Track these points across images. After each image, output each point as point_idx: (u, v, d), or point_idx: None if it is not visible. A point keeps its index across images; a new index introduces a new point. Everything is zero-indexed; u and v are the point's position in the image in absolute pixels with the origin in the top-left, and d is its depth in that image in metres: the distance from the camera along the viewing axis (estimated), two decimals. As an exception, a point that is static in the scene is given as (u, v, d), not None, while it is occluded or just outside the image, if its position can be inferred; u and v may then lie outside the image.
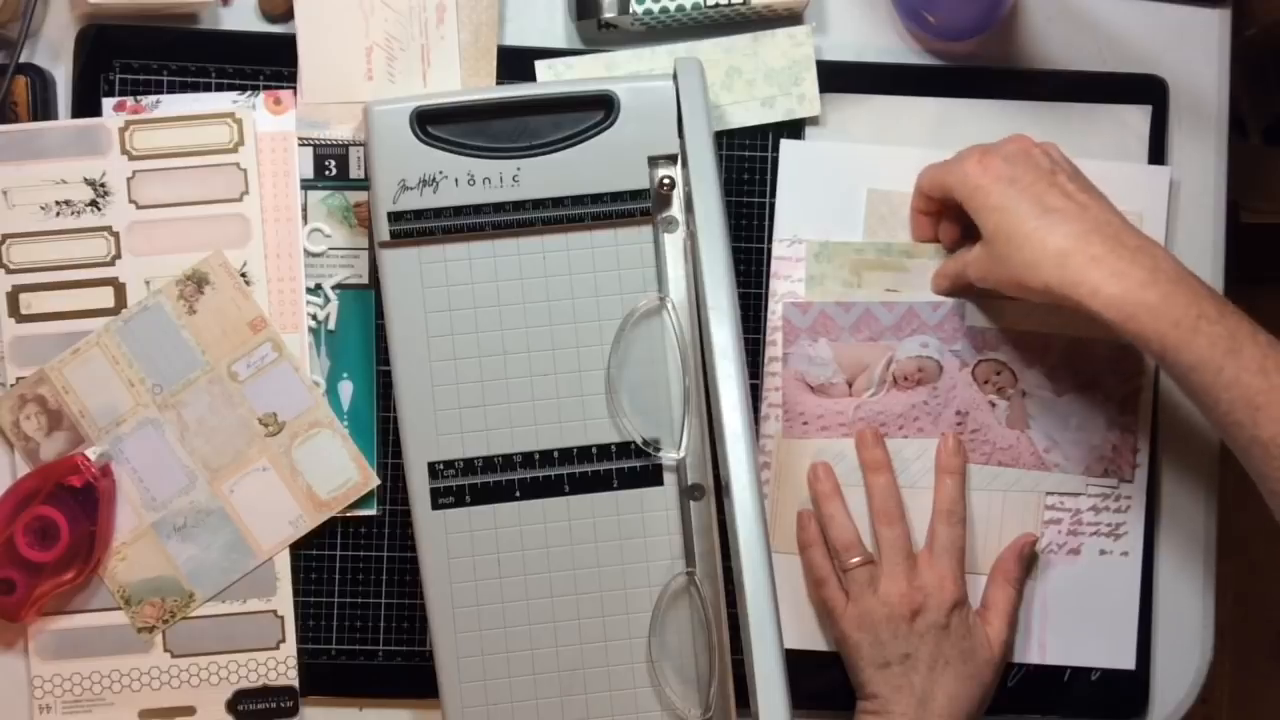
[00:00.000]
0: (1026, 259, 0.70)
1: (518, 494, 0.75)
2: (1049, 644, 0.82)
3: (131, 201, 0.79)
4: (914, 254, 0.81)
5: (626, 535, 0.76)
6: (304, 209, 0.80)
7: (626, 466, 0.76)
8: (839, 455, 0.81)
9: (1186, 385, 0.69)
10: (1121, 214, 0.72)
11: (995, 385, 0.81)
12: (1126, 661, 0.82)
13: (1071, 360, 0.81)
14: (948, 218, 0.80)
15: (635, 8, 0.78)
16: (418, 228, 0.74)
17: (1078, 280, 0.69)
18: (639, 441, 0.75)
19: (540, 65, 0.80)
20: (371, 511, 0.80)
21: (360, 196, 0.80)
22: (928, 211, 0.80)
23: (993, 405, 0.81)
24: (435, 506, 0.75)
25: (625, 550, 0.76)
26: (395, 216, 0.74)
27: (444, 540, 0.75)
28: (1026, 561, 0.81)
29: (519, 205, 0.75)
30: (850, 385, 0.81)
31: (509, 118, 0.75)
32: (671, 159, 0.75)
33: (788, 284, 0.81)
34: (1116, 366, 0.81)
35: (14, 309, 0.79)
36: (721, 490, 0.74)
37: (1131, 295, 0.68)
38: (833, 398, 0.81)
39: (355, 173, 0.80)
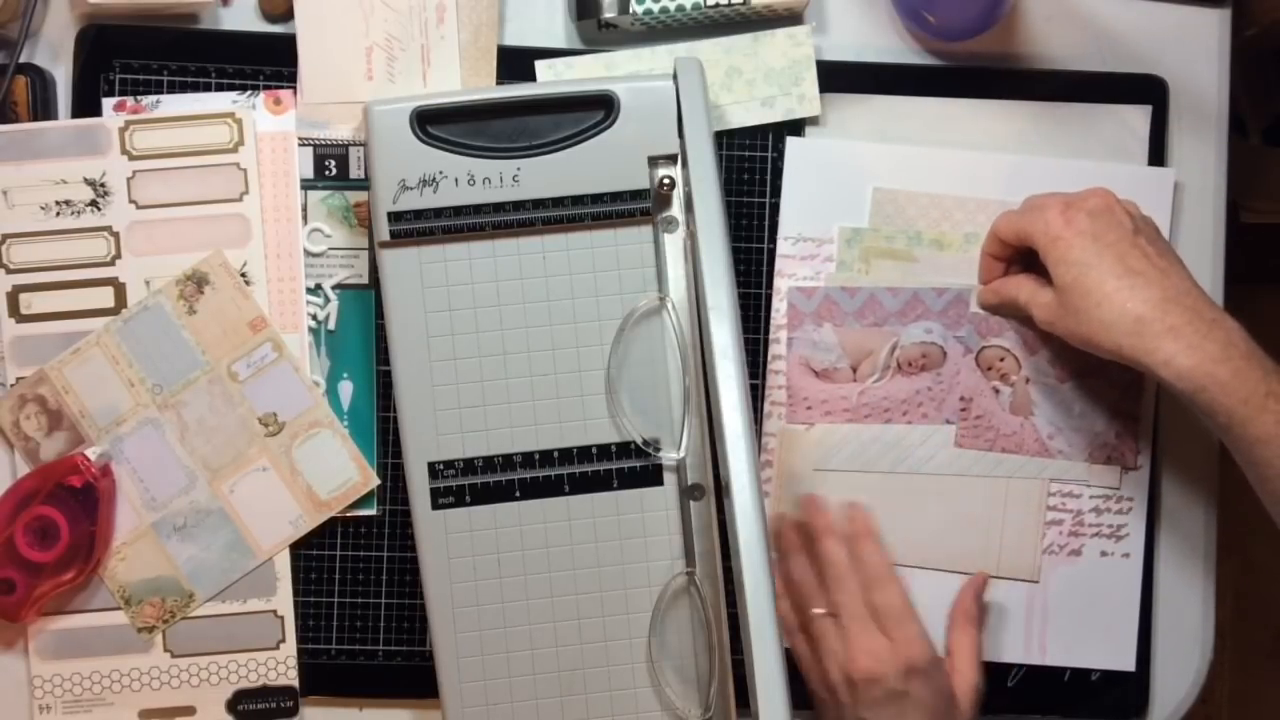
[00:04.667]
0: (1103, 318, 0.71)
1: (518, 494, 0.75)
2: (1049, 645, 0.82)
3: (131, 201, 0.79)
4: (945, 245, 0.81)
5: (626, 535, 0.76)
6: (304, 209, 0.80)
7: (626, 466, 0.76)
8: (842, 442, 0.81)
9: (1249, 457, 0.70)
10: (1197, 281, 0.72)
11: (999, 371, 0.81)
12: (1127, 663, 0.82)
13: (1074, 347, 0.81)
14: (1018, 265, 0.80)
15: (635, 8, 0.78)
16: (418, 228, 0.74)
17: (1152, 348, 0.69)
18: (639, 441, 0.75)
19: (540, 65, 0.80)
20: (371, 511, 0.80)
21: (360, 196, 0.80)
22: (1000, 257, 0.79)
23: (996, 392, 0.81)
24: (435, 506, 0.75)
25: (625, 550, 0.76)
26: (395, 216, 0.74)
27: (444, 540, 0.75)
28: (982, 599, 0.80)
29: (519, 205, 0.75)
30: (854, 370, 0.81)
31: (509, 118, 0.75)
32: (671, 159, 0.75)
33: (791, 282, 0.81)
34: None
35: (14, 309, 0.79)
36: (721, 490, 0.74)
37: (1203, 369, 0.68)
38: (837, 383, 0.81)
39: (355, 173, 0.80)
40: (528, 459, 0.75)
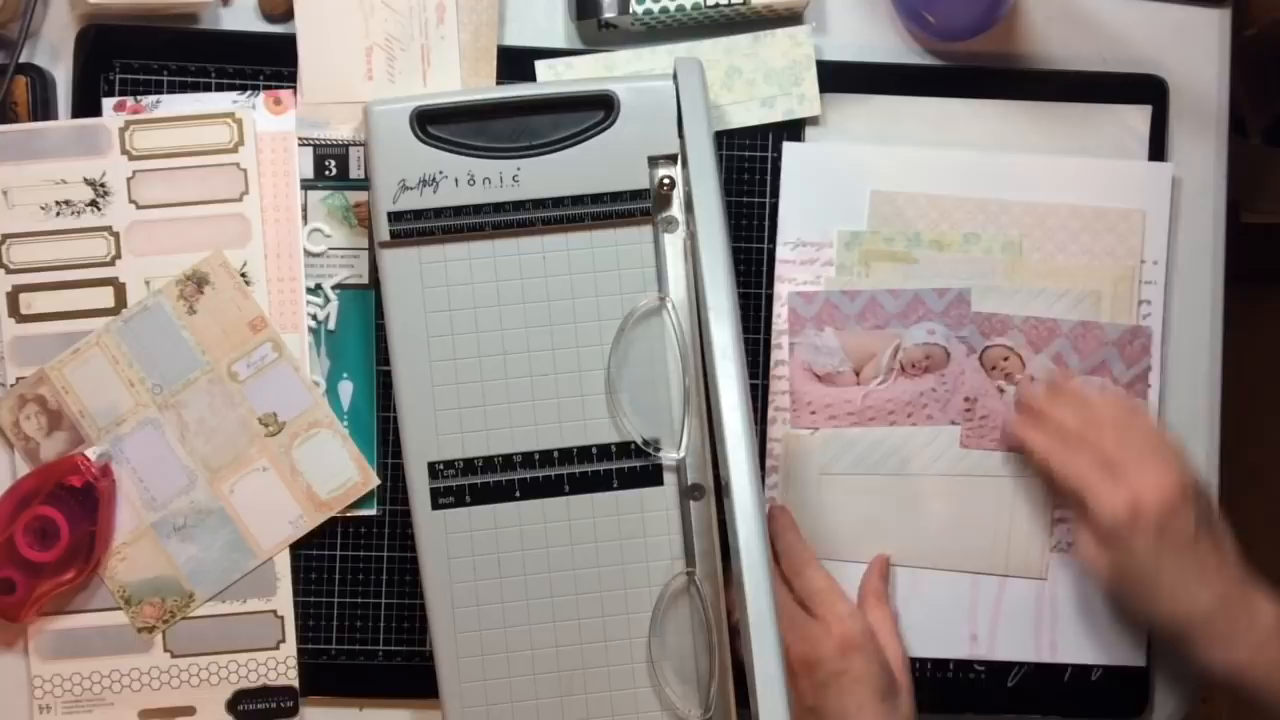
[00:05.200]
0: (1150, 612, 0.76)
1: (518, 494, 0.75)
2: (1060, 642, 0.82)
3: (131, 201, 0.79)
4: (944, 246, 0.81)
5: (626, 535, 0.76)
6: (304, 209, 0.80)
7: (626, 466, 0.76)
8: (847, 446, 0.81)
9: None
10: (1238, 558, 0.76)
11: (1003, 371, 0.81)
12: (1137, 659, 0.82)
13: (1078, 345, 0.81)
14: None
15: (635, 8, 0.78)
16: (418, 228, 0.74)
17: (1197, 652, 0.75)
18: (639, 441, 0.75)
19: (540, 65, 0.80)
20: (371, 511, 0.80)
21: (360, 196, 0.80)
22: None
23: (1001, 391, 0.82)
24: (435, 506, 0.75)
25: (625, 550, 0.76)
26: (395, 216, 0.74)
27: (444, 540, 0.75)
28: (887, 577, 0.81)
29: (519, 205, 0.75)
30: (858, 374, 0.81)
31: (509, 118, 0.75)
32: (671, 159, 0.75)
33: (792, 287, 0.81)
34: (1123, 351, 0.82)
35: (14, 309, 0.79)
36: (721, 490, 0.74)
37: (1240, 671, 0.74)
38: (840, 387, 0.81)
39: (355, 173, 0.80)
40: (528, 459, 0.75)
